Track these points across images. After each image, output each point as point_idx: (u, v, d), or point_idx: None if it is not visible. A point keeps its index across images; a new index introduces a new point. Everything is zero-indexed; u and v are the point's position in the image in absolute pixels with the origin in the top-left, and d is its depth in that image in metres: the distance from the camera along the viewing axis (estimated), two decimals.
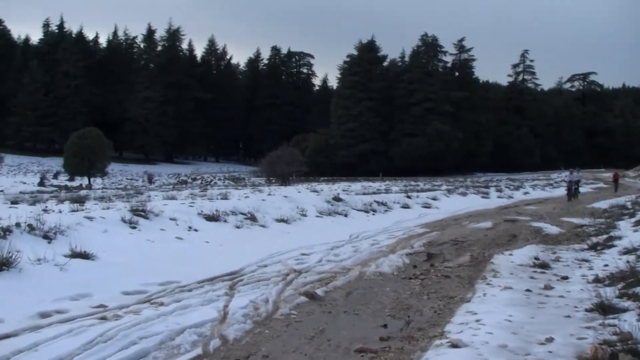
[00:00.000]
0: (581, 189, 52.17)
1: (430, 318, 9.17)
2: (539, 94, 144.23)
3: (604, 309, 8.69)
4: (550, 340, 7.24)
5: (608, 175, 61.05)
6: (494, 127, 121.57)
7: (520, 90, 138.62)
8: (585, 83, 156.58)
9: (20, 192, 37.51)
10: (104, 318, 8.52)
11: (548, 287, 10.84)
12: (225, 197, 24.23)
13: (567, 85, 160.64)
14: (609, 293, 9.39)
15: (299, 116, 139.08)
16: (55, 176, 74.42)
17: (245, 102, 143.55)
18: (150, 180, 74.38)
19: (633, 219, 21.87)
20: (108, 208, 17.73)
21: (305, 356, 7.38)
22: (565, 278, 11.87)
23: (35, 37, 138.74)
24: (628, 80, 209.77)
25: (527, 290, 10.52)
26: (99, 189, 49.87)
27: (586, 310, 8.94)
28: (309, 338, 8.11)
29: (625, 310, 8.57)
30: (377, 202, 28.95)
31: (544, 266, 13.08)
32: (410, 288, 11.50)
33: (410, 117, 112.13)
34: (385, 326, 8.74)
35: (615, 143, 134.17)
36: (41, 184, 61.11)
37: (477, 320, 8.15)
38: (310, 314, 9.39)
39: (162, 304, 9.50)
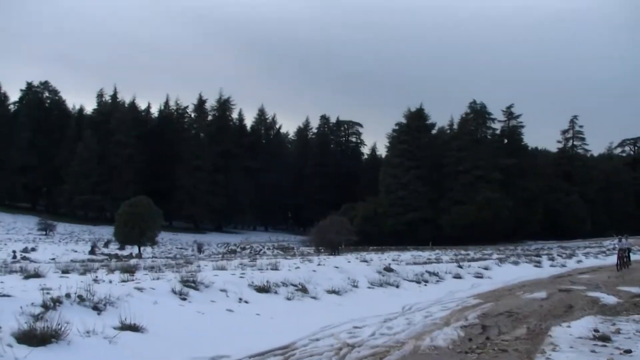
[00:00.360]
0: (634, 257, 51.24)
1: None
2: (589, 160, 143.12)
3: None
4: None
5: None
6: (544, 194, 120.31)
7: (569, 156, 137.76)
8: (636, 147, 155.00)
9: (72, 261, 37.80)
10: None
11: None
12: (275, 268, 24.08)
13: (618, 150, 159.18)
14: None
15: (348, 185, 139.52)
16: (106, 244, 75.02)
17: (294, 171, 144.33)
18: (200, 250, 74.49)
19: None
20: (158, 278, 17.63)
21: None
22: (628, 351, 11.46)
23: (90, 107, 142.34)
24: None
25: None
26: (149, 257, 50.07)
27: None
28: None
29: None
30: (429, 272, 28.50)
31: (605, 339, 12.64)
32: None
33: (459, 185, 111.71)
34: None
35: None
36: (92, 252, 61.51)
37: None
38: None
39: None
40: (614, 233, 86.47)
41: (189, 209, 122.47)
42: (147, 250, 66.78)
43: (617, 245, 42.02)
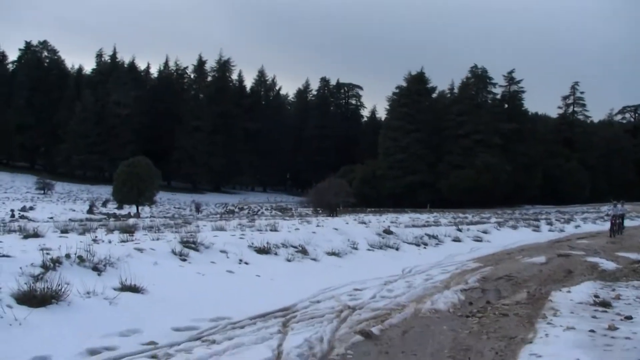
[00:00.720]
0: (633, 223, 51.20)
1: None
2: (589, 126, 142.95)
3: None
4: None
5: None
6: (543, 160, 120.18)
7: (570, 122, 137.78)
8: (637, 114, 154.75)
9: (70, 220, 37.65)
10: (154, 357, 8.28)
11: (612, 328, 10.41)
12: (274, 229, 24.00)
13: (618, 117, 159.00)
14: None
15: (347, 147, 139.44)
16: (104, 204, 74.99)
17: (293, 132, 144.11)
18: (198, 210, 74.41)
19: None
20: (158, 239, 17.57)
21: None
22: (629, 318, 11.41)
23: (89, 67, 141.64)
24: None
25: (591, 330, 10.10)
26: (147, 217, 49.99)
27: None
28: None
29: None
30: (428, 235, 28.47)
31: (605, 305, 12.62)
32: (468, 327, 11.11)
33: (458, 149, 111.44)
34: None
35: None
36: (90, 211, 61.45)
37: None
38: (367, 355, 9.06)
39: (214, 341, 9.22)
40: (612, 199, 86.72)
41: (188, 169, 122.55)
42: (145, 210, 66.83)
43: (610, 212, 40.76)
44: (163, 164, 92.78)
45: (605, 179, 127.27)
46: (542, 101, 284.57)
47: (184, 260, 15.26)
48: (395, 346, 9.66)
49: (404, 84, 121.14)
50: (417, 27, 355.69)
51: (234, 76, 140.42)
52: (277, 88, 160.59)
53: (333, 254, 20.02)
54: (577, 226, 46.12)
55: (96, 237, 17.41)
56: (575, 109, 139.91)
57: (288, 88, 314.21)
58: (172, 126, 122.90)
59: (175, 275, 13.65)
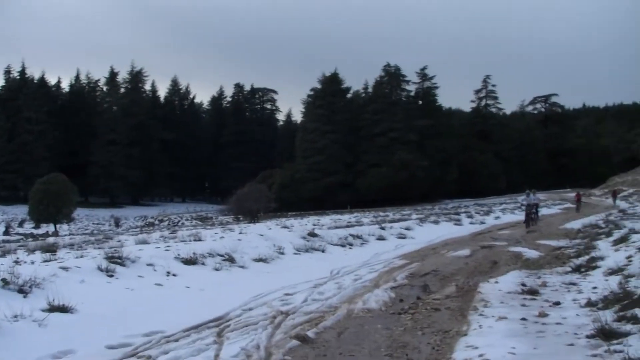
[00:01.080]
0: (550, 210, 52.33)
1: (430, 355, 8.89)
2: (503, 118, 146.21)
3: (606, 334, 8.47)
4: None
5: (573, 195, 61.29)
6: (459, 154, 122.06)
7: (483, 115, 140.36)
8: (547, 105, 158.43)
9: None
10: None
11: (543, 315, 10.62)
12: (198, 239, 23.76)
13: (530, 108, 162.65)
14: (608, 317, 9.18)
15: (265, 152, 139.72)
16: (21, 224, 73.51)
17: (210, 140, 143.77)
18: (117, 224, 73.56)
19: (611, 238, 21.87)
20: (82, 256, 17.16)
21: None
22: (557, 304, 11.67)
23: None
24: (588, 100, 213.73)
25: (523, 319, 10.28)
26: (65, 235, 49.17)
27: (587, 336, 8.72)
28: None
29: (628, 334, 8.37)
30: (352, 235, 28.59)
31: (533, 292, 12.88)
32: (402, 324, 11.20)
33: (375, 148, 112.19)
34: None
35: (579, 163, 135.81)
36: (7, 232, 60.22)
37: (481, 355, 7.90)
38: (305, 359, 9.05)
39: (150, 357, 9.05)
40: (528, 189, 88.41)
41: (105, 183, 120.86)
42: (64, 228, 65.72)
43: (525, 201, 40.32)
44: (79, 179, 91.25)
45: (520, 169, 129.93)
46: (456, 96, 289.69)
47: (111, 276, 14.93)
48: (332, 348, 9.66)
49: (318, 85, 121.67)
50: (330, 28, 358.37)
51: (147, 86, 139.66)
52: (191, 96, 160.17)
53: (260, 260, 19.90)
54: (497, 217, 46.91)
55: (18, 258, 16.95)
56: (488, 102, 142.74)
57: (203, 96, 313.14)
58: (87, 140, 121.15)
59: (103, 292, 13.31)
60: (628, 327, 8.75)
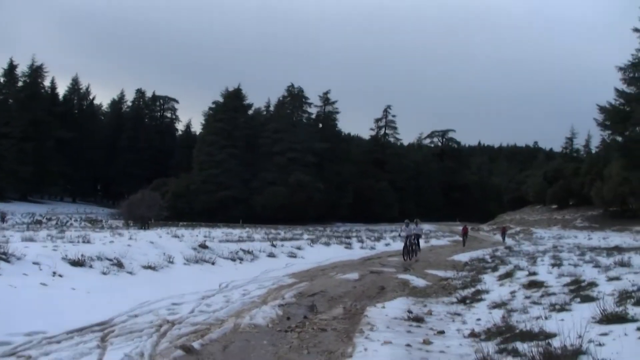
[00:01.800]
0: (439, 242, 53.22)
1: None
2: (400, 149, 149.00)
3: None
4: None
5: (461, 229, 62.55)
6: (356, 179, 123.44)
7: (382, 144, 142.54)
8: (444, 140, 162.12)
9: None
10: None
11: (427, 342, 10.77)
12: (88, 241, 23.31)
13: (427, 141, 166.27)
14: (490, 348, 9.37)
15: (161, 160, 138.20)
16: None
17: (106, 143, 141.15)
18: (3, 219, 71.19)
19: (496, 273, 22.44)
20: None
21: None
22: (441, 332, 11.87)
23: None
24: (483, 139, 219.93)
25: (407, 345, 10.40)
26: None
27: None
28: None
29: None
30: (244, 250, 28.45)
31: (419, 320, 13.06)
32: (288, 341, 11.19)
33: (273, 167, 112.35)
34: None
35: (471, 198, 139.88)
36: None
37: None
38: None
39: (29, 357, 8.81)
40: (419, 219, 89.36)
41: None
42: None
43: (403, 232, 35.11)
44: None
45: (414, 199, 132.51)
46: (356, 123, 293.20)
47: None
48: None
49: (221, 99, 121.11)
50: (239, 42, 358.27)
51: (47, 83, 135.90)
52: (91, 97, 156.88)
53: (149, 267, 19.61)
54: (387, 244, 47.37)
55: None
56: (387, 131, 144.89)
57: (103, 97, 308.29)
58: None
59: None
60: (509, 359, 8.95)
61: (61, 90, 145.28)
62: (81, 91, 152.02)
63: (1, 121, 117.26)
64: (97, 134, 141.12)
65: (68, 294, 14.20)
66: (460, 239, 55.66)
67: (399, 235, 42.52)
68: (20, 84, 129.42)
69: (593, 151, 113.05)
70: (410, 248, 33.48)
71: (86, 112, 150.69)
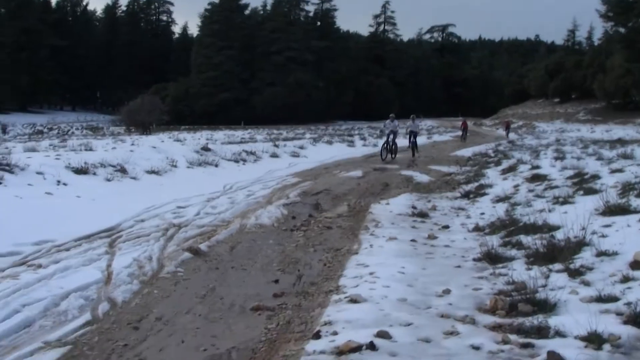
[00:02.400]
0: (442, 137, 53.15)
1: (321, 271, 9.01)
2: (400, 45, 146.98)
3: (492, 258, 8.75)
4: (447, 292, 7.18)
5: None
6: (355, 77, 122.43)
7: (381, 40, 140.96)
8: (444, 35, 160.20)
9: None
10: None
11: (432, 237, 10.89)
12: (90, 149, 23.22)
13: (427, 37, 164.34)
14: (494, 242, 9.44)
15: (159, 65, 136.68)
16: None
17: (102, 49, 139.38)
18: (4, 131, 70.95)
19: (499, 167, 22.49)
20: None
21: (200, 317, 7.06)
22: (446, 227, 11.98)
23: None
24: (484, 33, 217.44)
25: (413, 240, 10.50)
26: None
27: (474, 259, 8.99)
28: (200, 297, 7.79)
29: (512, 258, 8.67)
30: (246, 151, 28.46)
31: (423, 215, 13.17)
32: (294, 240, 11.32)
33: (271, 66, 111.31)
34: (276, 281, 8.52)
35: (473, 93, 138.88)
36: None
37: (371, 274, 8.02)
38: (197, 271, 9.05)
39: (40, 266, 8.84)
40: (422, 115, 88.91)
41: None
42: None
43: (385, 129, 32.32)
44: None
45: (414, 95, 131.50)
46: (355, 20, 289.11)
47: None
48: (224, 262, 9.71)
49: (216, 0, 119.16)
50: None
51: None
52: (84, 3, 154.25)
53: (153, 172, 19.64)
54: None
55: None
56: (386, 27, 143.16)
57: (97, 3, 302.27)
58: None
59: None
60: (513, 252, 9.06)
61: None
62: None
63: None
64: (92, 41, 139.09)
65: (74, 202, 14.25)
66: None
67: (380, 131, 38.60)
68: None
69: (595, 43, 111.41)
70: (392, 147, 30.50)
71: (80, 19, 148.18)
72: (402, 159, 30.16)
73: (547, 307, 6.16)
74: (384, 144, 30.57)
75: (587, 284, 6.81)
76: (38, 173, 16.05)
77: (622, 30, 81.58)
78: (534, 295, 6.46)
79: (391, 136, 30.56)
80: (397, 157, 30.66)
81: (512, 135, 56.97)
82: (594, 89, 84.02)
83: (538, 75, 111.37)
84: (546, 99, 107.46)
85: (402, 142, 34.10)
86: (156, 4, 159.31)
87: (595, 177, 15.20)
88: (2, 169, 15.38)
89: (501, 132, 65.11)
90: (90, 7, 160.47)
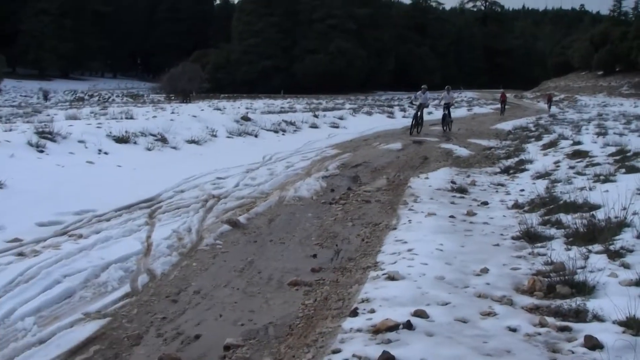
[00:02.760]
0: (482, 110, 52.64)
1: (359, 247, 9.02)
2: (441, 13, 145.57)
3: (531, 236, 8.69)
4: (485, 271, 7.16)
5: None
6: (396, 46, 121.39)
7: (423, 8, 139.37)
8: (487, 3, 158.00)
9: None
10: (21, 254, 8.01)
11: (471, 214, 10.82)
12: (130, 117, 23.42)
13: (470, 5, 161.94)
14: (533, 220, 9.39)
15: (200, 31, 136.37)
16: None
17: (144, 15, 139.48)
18: (46, 97, 71.52)
19: (540, 142, 22.30)
20: (11, 130, 16.69)
21: (238, 291, 7.14)
22: (485, 203, 11.89)
23: None
24: (527, 2, 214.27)
25: (451, 216, 10.45)
26: None
27: (513, 238, 8.93)
28: (238, 271, 7.87)
29: (551, 238, 8.59)
30: (286, 121, 28.48)
31: (462, 191, 13.09)
32: (333, 214, 11.36)
33: (313, 34, 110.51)
34: (314, 256, 8.57)
35: (515, 64, 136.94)
36: None
37: (409, 250, 8.00)
38: (236, 244, 9.14)
39: (81, 236, 9.00)
40: (462, 86, 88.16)
41: (35, 54, 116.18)
42: None
43: (415, 101, 30.70)
44: (7, 49, 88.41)
45: (456, 65, 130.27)
46: None
47: (42, 151, 14.59)
48: (262, 234, 9.78)
49: None
50: None
51: None
52: None
53: (193, 142, 19.73)
54: (430, 112, 46.68)
55: None
56: None
57: None
58: (16, 7, 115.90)
59: (34, 168, 13.01)
60: (552, 231, 8.98)
61: None
62: None
63: None
64: (135, 6, 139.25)
65: (114, 171, 14.41)
66: (506, 106, 54.87)
67: (412, 103, 34.32)
68: None
69: None
70: (419, 121, 28.60)
71: None
72: (440, 132, 29.96)
73: (586, 289, 6.13)
74: (413, 119, 28.72)
75: (627, 266, 6.75)
76: (79, 141, 16.23)
77: None
78: (573, 277, 6.42)
79: (422, 109, 29.17)
80: (439, 129, 30.41)
81: (553, 109, 56.18)
82: (639, 62, 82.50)
83: (582, 46, 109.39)
84: (589, 71, 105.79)
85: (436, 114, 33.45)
86: None
87: (638, 154, 15.01)
88: (45, 137, 15.57)
89: (542, 105, 64.29)
90: None
